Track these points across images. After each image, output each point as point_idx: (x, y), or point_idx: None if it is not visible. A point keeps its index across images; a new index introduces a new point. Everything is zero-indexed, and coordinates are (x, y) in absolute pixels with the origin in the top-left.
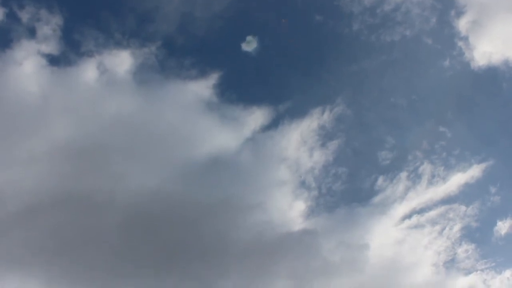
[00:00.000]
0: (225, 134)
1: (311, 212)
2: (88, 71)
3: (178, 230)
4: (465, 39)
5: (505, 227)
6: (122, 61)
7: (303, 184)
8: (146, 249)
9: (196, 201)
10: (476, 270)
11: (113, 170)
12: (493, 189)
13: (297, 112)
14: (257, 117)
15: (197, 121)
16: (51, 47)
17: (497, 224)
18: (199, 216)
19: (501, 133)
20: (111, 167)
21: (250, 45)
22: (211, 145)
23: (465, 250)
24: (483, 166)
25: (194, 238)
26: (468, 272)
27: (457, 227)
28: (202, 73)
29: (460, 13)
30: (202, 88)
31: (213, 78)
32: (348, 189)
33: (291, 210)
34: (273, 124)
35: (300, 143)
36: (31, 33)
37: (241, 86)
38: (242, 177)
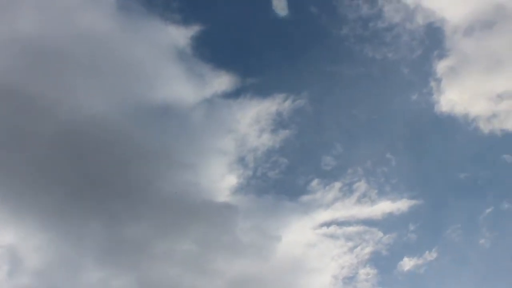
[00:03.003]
0: (185, 88)
1: (239, 190)
2: None
3: (105, 162)
4: (438, 81)
5: (409, 265)
6: None
7: (241, 161)
8: (67, 174)
9: (133, 141)
10: None
11: (65, 80)
12: (412, 227)
13: (261, 91)
14: (222, 82)
15: (163, 65)
16: None
17: (404, 259)
18: (131, 157)
19: (439, 181)
20: (64, 77)
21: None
22: (167, 93)
23: (367, 272)
24: (412, 202)
25: (118, 176)
26: None
27: (368, 250)
28: (185, 21)
29: (442, 55)
30: (180, 35)
31: (194, 30)
32: (282, 180)
33: (221, 181)
34: (235, 94)
35: (254, 122)
36: None
37: (218, 47)
38: (186, 134)
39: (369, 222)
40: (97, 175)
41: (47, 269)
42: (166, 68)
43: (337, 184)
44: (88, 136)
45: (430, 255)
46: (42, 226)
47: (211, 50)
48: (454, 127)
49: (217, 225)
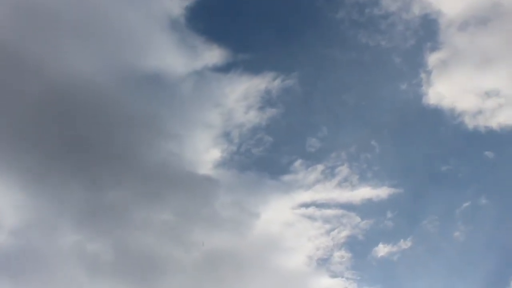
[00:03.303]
0: (176, 58)
1: (222, 164)
2: None
3: (90, 125)
4: (429, 73)
5: (383, 251)
6: None
7: (226, 136)
8: (50, 134)
9: (119, 107)
10: (342, 277)
11: (54, 40)
12: (389, 215)
13: (252, 68)
14: (213, 55)
15: (155, 33)
16: None
17: (379, 245)
18: (116, 123)
19: (421, 172)
20: (53, 36)
21: None
22: (158, 62)
23: (341, 255)
24: (391, 191)
25: (102, 141)
26: (334, 275)
27: (344, 233)
28: None
29: (435, 48)
30: (175, 5)
31: (189, 0)
32: (265, 158)
33: (204, 154)
34: (226, 69)
35: (242, 98)
36: None
37: (212, 20)
38: (173, 104)
39: (348, 207)
40: (81, 137)
41: (24, 228)
42: (158, 37)
43: (320, 167)
44: (74, 98)
45: (405, 244)
46: (21, 184)
47: (205, 22)
48: (440, 120)
49: (197, 198)
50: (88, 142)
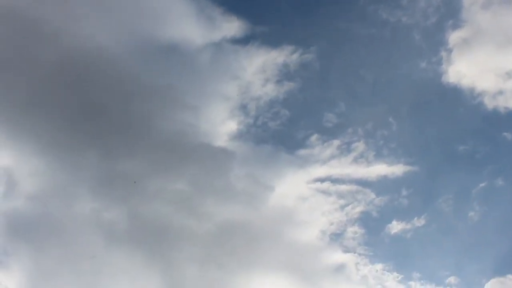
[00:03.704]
0: (194, 29)
1: (238, 136)
2: None
3: (107, 95)
4: (449, 51)
5: (397, 228)
6: None
7: (243, 108)
8: (68, 102)
9: (136, 77)
10: (354, 252)
11: (73, 8)
12: (404, 192)
13: (271, 41)
14: (232, 27)
15: (174, 3)
16: None
17: (392, 222)
18: (133, 92)
19: (437, 150)
20: (72, 4)
21: None
22: (176, 32)
23: (354, 231)
24: (407, 168)
25: (119, 111)
26: (347, 250)
27: (358, 209)
28: None
29: (457, 26)
30: None
31: None
32: (282, 132)
33: (221, 126)
34: (244, 41)
35: (260, 70)
36: None
37: None
38: (191, 76)
39: (363, 183)
40: (98, 107)
41: (41, 194)
42: (177, 7)
43: (336, 142)
44: (91, 66)
45: (419, 221)
46: (39, 151)
47: None
48: (459, 99)
49: (212, 169)
50: (105, 111)
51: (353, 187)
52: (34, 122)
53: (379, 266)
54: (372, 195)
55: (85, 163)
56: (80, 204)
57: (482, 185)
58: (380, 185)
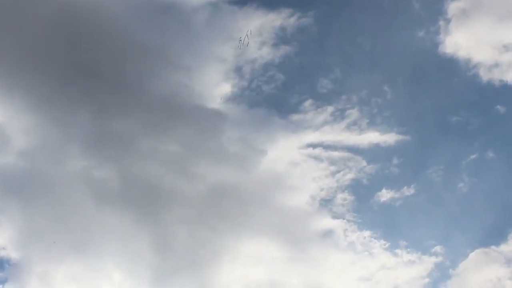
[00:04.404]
0: None
1: (232, 99)
2: None
3: (101, 52)
4: (447, 21)
5: (386, 197)
6: None
7: (238, 70)
8: (61, 59)
9: (131, 35)
10: (343, 219)
11: None
12: (395, 161)
13: (268, 3)
14: None
15: None
16: None
17: (382, 191)
18: (127, 51)
19: (430, 121)
20: None
21: None
22: None
23: (344, 198)
24: (399, 137)
25: (113, 69)
26: (336, 216)
27: (349, 176)
28: None
29: None
30: None
31: None
32: (276, 96)
33: (215, 87)
34: (241, 2)
35: (256, 33)
36: None
37: None
38: (186, 35)
39: (354, 150)
40: (91, 64)
41: (32, 151)
42: None
43: (330, 108)
44: (87, 24)
45: (408, 191)
46: (31, 108)
47: None
48: (454, 70)
49: (205, 131)
50: (98, 68)
51: (345, 154)
52: (27, 79)
53: (367, 233)
54: (363, 163)
55: (78, 121)
56: (71, 161)
57: (472, 157)
58: (372, 153)
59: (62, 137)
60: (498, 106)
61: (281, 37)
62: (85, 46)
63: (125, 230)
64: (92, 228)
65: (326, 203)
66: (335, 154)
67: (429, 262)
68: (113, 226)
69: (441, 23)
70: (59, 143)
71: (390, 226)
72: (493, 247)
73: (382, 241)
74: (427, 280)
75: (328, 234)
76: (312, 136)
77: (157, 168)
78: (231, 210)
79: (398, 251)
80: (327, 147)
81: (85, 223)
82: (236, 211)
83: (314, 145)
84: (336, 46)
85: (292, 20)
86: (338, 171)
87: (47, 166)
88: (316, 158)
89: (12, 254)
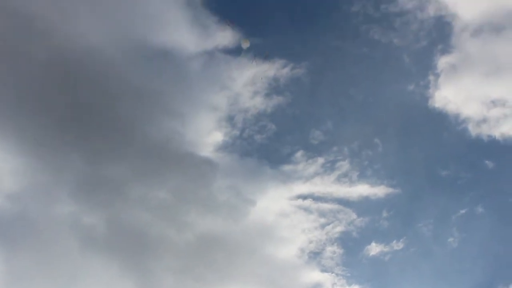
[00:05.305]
0: (188, 36)
1: (223, 147)
2: None
3: (95, 97)
4: (437, 75)
5: (375, 250)
6: None
7: (230, 119)
8: (54, 101)
9: (125, 80)
10: (332, 272)
11: (68, 6)
12: (385, 214)
13: (262, 54)
14: (225, 36)
15: (170, 8)
16: None
17: (371, 244)
18: (121, 96)
19: (420, 174)
20: (67, 2)
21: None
22: (169, 38)
23: (333, 251)
24: (389, 190)
25: (106, 113)
26: (324, 270)
27: (339, 229)
28: None
29: (445, 51)
30: None
31: None
32: (267, 146)
33: (207, 136)
34: (236, 52)
35: (250, 82)
36: None
37: (228, 1)
38: (180, 82)
39: (344, 202)
40: (85, 108)
41: (21, 194)
42: (172, 12)
43: (321, 160)
44: (81, 67)
45: (397, 245)
46: (22, 150)
47: (220, 3)
48: (443, 124)
49: (195, 179)
50: (91, 113)
51: (335, 206)
52: (19, 120)
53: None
54: (353, 215)
55: (68, 165)
56: (59, 206)
57: (462, 211)
58: (362, 206)
59: (51, 180)
60: (487, 161)
61: (274, 87)
62: (79, 90)
63: (110, 277)
64: (78, 275)
65: (315, 255)
66: (325, 206)
67: None
68: (99, 273)
69: (431, 77)
70: (48, 186)
71: (379, 281)
72: None
73: None
74: None
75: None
76: (303, 187)
77: (146, 215)
78: (219, 260)
79: None
80: (317, 198)
81: (71, 269)
82: (224, 261)
83: (304, 197)
84: (328, 98)
85: (285, 70)
86: (328, 223)
87: (35, 210)
88: (306, 210)
89: None
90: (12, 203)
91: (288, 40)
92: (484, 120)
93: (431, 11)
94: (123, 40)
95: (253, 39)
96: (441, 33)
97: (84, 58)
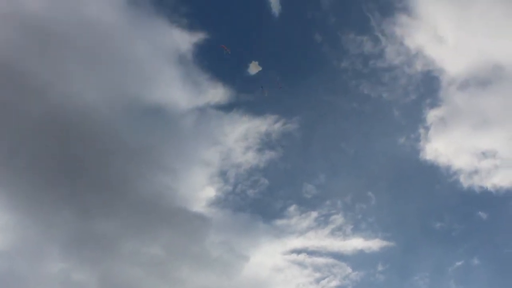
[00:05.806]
0: (180, 93)
1: (216, 203)
2: None
3: (87, 153)
4: (427, 129)
5: None
6: None
7: (223, 174)
8: (46, 158)
9: (118, 137)
10: None
11: (62, 64)
12: (380, 268)
13: (254, 109)
14: (217, 93)
15: (162, 67)
16: None
17: None
18: (113, 152)
19: (415, 227)
20: (62, 61)
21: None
22: (162, 95)
23: None
24: (384, 243)
25: (98, 170)
26: None
27: (334, 283)
28: (191, 27)
29: (435, 105)
30: (184, 40)
31: (198, 37)
32: (260, 201)
33: (200, 191)
34: (227, 108)
35: (242, 138)
36: None
37: (219, 58)
38: (173, 138)
39: (339, 256)
40: (77, 165)
41: (10, 250)
42: (164, 70)
43: (314, 214)
44: (75, 125)
45: None
46: (11, 206)
47: (211, 60)
48: (436, 176)
49: (188, 235)
50: (83, 169)
51: (329, 260)
52: (9, 176)
53: None
54: (348, 269)
55: (59, 221)
56: (49, 263)
57: (458, 263)
58: (357, 260)
59: (41, 237)
60: (480, 213)
61: (266, 143)
62: (70, 145)
63: None
64: None
65: None
66: (320, 260)
67: None
68: None
69: (421, 130)
70: (38, 243)
71: None
72: None
73: None
74: None
75: None
76: (296, 242)
77: (138, 271)
78: None
79: None
80: (311, 253)
81: None
82: None
83: (298, 251)
84: (321, 152)
85: (277, 126)
86: (323, 278)
87: (25, 267)
88: (300, 264)
89: None
90: (1, 260)
91: (279, 96)
92: (476, 172)
93: (418, 66)
94: (116, 97)
95: (244, 95)
96: (429, 87)
97: (77, 115)
